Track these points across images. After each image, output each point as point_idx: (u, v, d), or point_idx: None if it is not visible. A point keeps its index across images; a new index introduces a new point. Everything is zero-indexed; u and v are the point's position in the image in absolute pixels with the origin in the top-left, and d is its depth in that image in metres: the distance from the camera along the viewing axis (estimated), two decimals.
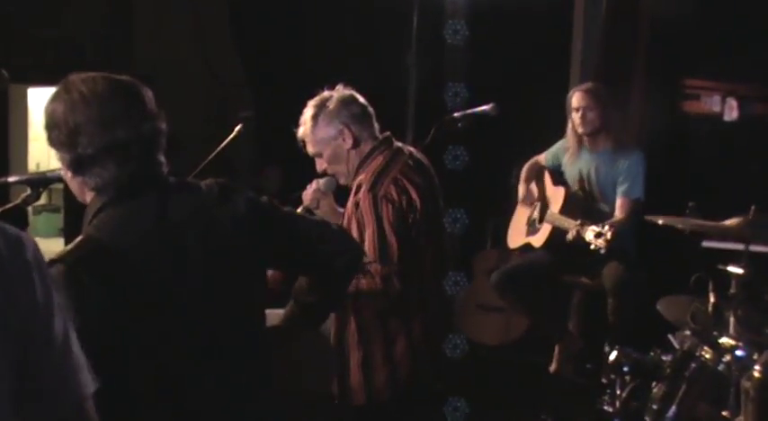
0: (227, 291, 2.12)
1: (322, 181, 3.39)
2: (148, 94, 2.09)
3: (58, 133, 2.03)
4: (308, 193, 3.41)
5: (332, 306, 2.87)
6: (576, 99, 4.77)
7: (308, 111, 3.24)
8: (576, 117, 4.77)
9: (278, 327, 2.62)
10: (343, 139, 3.21)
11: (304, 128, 3.26)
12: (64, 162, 2.07)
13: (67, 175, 2.09)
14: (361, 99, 3.26)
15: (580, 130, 4.77)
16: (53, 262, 1.93)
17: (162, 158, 2.11)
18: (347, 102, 3.22)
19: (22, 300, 1.33)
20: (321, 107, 3.21)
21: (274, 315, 2.64)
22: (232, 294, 2.13)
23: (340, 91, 3.25)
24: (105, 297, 1.90)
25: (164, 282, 2.01)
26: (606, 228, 4.13)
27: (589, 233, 4.18)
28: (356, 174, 3.24)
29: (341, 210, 3.34)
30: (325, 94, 3.25)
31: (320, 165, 3.32)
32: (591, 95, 4.74)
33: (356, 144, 3.22)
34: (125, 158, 2.03)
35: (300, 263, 2.44)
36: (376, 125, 3.27)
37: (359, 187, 3.18)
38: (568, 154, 4.89)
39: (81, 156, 2.02)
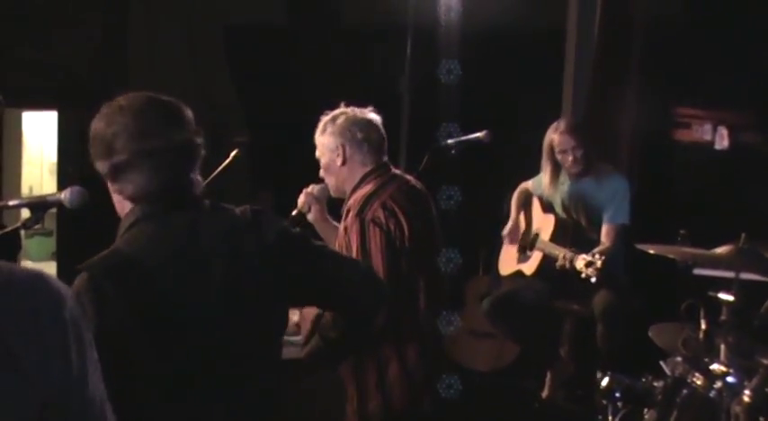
0: (246, 318, 2.11)
1: (317, 187, 3.42)
2: (187, 113, 2.13)
3: (98, 145, 2.08)
4: (301, 196, 3.43)
5: (355, 344, 2.87)
6: (561, 142, 4.70)
7: (325, 118, 3.30)
8: (565, 158, 4.72)
9: (296, 361, 2.62)
10: (338, 155, 3.25)
11: (318, 131, 3.30)
12: (103, 174, 2.11)
13: (111, 189, 2.13)
14: (373, 127, 3.28)
15: (573, 171, 4.74)
16: (79, 269, 1.95)
17: (197, 177, 2.14)
18: (355, 123, 3.25)
19: (53, 361, 1.30)
20: (334, 119, 3.27)
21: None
22: (251, 322, 2.13)
23: (362, 113, 3.28)
24: (125, 310, 1.91)
25: (185, 303, 2.01)
26: (597, 256, 4.16)
27: (579, 262, 4.21)
28: (348, 198, 3.27)
29: (333, 221, 3.37)
30: (349, 110, 3.29)
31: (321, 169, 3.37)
32: (575, 134, 4.69)
33: (344, 163, 3.26)
34: (158, 166, 2.05)
35: (324, 298, 2.43)
36: (378, 155, 3.29)
37: (348, 212, 3.21)
38: (547, 190, 4.87)
39: (116, 162, 2.06)
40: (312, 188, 3.43)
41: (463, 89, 4.66)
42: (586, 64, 5.69)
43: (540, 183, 5.00)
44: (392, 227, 3.12)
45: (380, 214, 3.13)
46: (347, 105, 3.32)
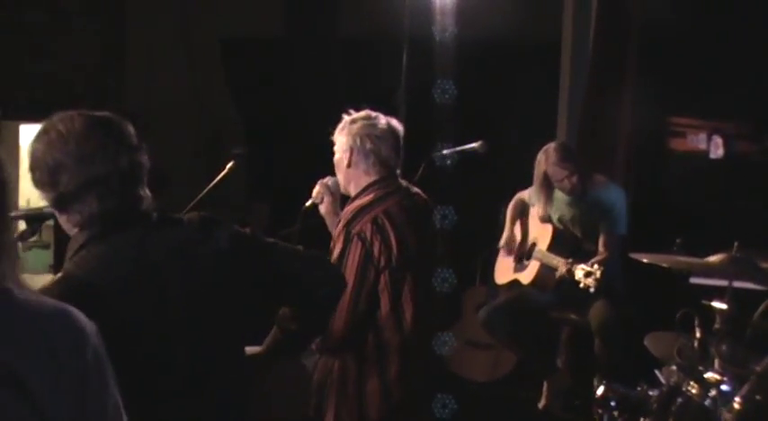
0: (206, 327, 2.12)
1: (332, 179, 3.43)
2: (128, 129, 2.10)
3: (40, 173, 2.05)
4: (317, 186, 3.44)
5: (314, 335, 2.88)
6: (555, 172, 4.71)
7: (347, 117, 3.32)
8: (563, 186, 4.73)
9: (257, 355, 2.62)
10: (346, 156, 3.28)
11: (338, 127, 3.33)
12: (48, 201, 2.09)
13: (58, 216, 2.11)
14: (386, 140, 3.27)
15: (573, 194, 4.76)
16: None
17: (144, 193, 2.12)
18: (368, 133, 3.25)
19: (68, 397, 1.31)
20: (353, 121, 3.29)
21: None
22: (212, 330, 2.14)
23: (381, 122, 3.28)
24: None
25: (141, 321, 2.01)
26: (596, 267, 4.18)
27: (579, 272, 4.23)
28: (347, 204, 3.29)
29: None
30: (372, 115, 3.30)
31: None
32: (567, 162, 4.69)
33: (349, 166, 3.28)
34: (105, 193, 2.04)
35: (283, 293, 2.45)
36: (384, 167, 3.27)
37: (340, 221, 3.23)
38: (543, 203, 4.86)
39: (62, 194, 2.04)
40: (328, 179, 3.44)
41: (459, 99, 4.68)
42: (582, 75, 5.71)
43: (532, 195, 5.00)
44: (376, 243, 3.12)
45: (367, 229, 3.13)
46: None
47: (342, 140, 3.30)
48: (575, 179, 4.70)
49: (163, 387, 2.05)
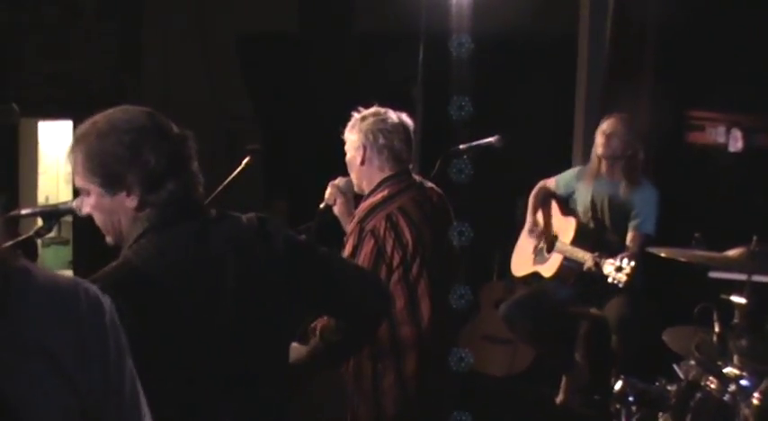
0: (256, 326, 2.13)
1: (343, 180, 3.44)
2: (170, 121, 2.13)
3: (115, 161, 2.01)
4: (329, 188, 3.45)
5: (357, 348, 2.89)
6: (608, 123, 4.73)
7: (357, 115, 3.33)
8: (600, 139, 4.73)
9: (300, 363, 2.63)
10: (359, 154, 3.28)
11: (348, 126, 3.34)
12: (133, 187, 2.03)
13: (126, 202, 2.05)
14: (398, 134, 3.29)
15: (599, 152, 4.74)
16: (91, 282, 1.95)
17: (200, 182, 2.14)
18: (380, 128, 3.27)
19: (94, 367, 1.36)
20: (363, 118, 3.30)
21: (295, 349, 2.66)
22: (261, 330, 2.15)
23: (392, 117, 3.30)
24: (137, 322, 1.90)
25: (196, 312, 2.02)
26: (626, 261, 4.14)
27: (608, 266, 4.20)
28: (362, 201, 3.29)
29: None
30: (381, 110, 3.31)
31: None
32: (624, 124, 4.71)
33: (362, 163, 3.29)
34: (180, 181, 2.06)
35: (330, 304, 2.45)
36: (398, 162, 3.29)
37: (353, 218, 3.24)
38: (587, 177, 4.85)
39: (154, 169, 2.02)
40: (339, 180, 3.45)
41: (475, 94, 4.67)
42: (599, 68, 5.69)
43: (567, 181, 4.97)
44: (390, 240, 3.13)
45: (381, 226, 3.14)
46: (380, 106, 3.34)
47: (353, 138, 3.30)
48: (617, 141, 4.68)
49: (207, 380, 2.06)
